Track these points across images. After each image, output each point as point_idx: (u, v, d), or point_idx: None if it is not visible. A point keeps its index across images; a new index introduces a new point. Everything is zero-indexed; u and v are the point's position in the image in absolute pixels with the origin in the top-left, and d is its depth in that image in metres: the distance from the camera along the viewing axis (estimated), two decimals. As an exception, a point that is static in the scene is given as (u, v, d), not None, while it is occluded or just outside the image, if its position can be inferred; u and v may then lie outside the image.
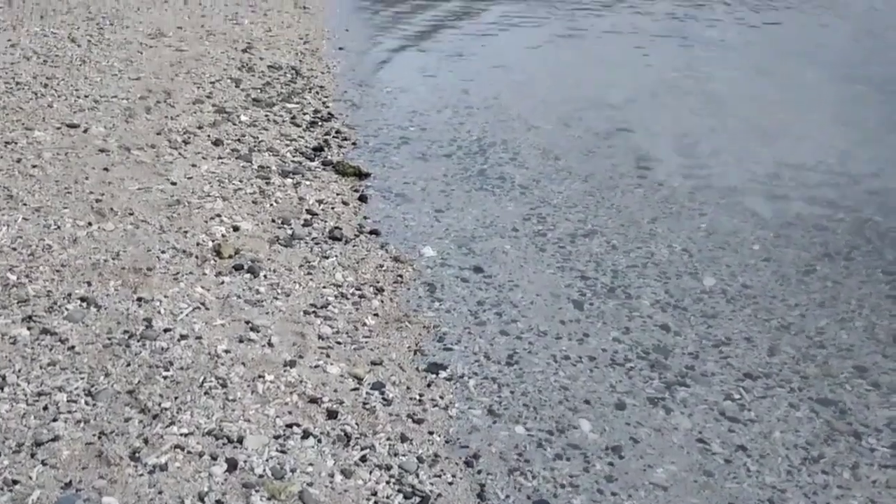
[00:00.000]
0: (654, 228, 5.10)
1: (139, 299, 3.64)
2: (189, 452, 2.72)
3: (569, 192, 5.66)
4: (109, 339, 3.30)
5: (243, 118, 6.35)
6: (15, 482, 2.51)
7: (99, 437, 2.74)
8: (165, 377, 3.10)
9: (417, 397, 3.29)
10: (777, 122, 7.26)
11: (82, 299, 3.54)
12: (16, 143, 4.98)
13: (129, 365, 3.14)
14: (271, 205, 4.94)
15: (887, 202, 5.54)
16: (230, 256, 4.18)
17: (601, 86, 8.41)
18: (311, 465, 2.77)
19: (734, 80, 8.76)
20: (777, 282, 4.45)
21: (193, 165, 5.24)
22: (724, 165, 6.20)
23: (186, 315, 3.57)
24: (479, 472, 2.92)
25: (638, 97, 7.96)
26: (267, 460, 2.75)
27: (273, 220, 4.73)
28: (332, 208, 5.08)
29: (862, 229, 5.12)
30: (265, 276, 4.05)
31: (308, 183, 5.39)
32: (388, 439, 2.99)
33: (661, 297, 4.26)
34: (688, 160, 6.29)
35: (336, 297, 3.99)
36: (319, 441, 2.90)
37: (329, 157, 5.95)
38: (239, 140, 5.89)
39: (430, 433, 3.07)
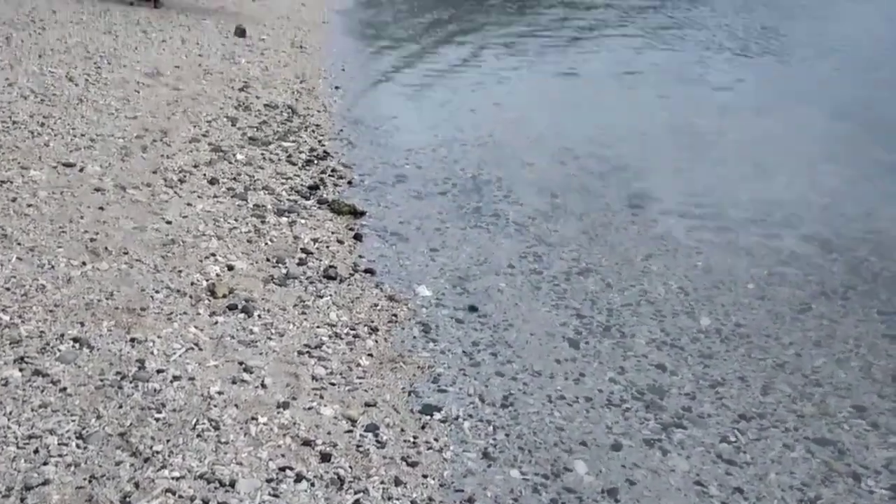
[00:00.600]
0: (648, 266, 5.10)
1: (132, 340, 3.61)
2: (181, 497, 2.69)
3: (563, 229, 5.67)
4: (102, 380, 3.27)
5: (239, 157, 6.36)
6: (3, 528, 2.47)
7: (90, 481, 2.71)
8: (157, 419, 3.07)
9: (412, 440, 3.26)
10: (771, 161, 7.30)
11: (75, 340, 3.52)
12: (11, 182, 4.98)
13: (121, 407, 3.11)
14: (266, 243, 4.94)
15: (881, 242, 5.56)
16: (224, 296, 4.16)
17: (595, 124, 8.47)
18: (303, 509, 2.74)
19: (728, 118, 8.82)
20: (772, 321, 4.45)
21: (189, 204, 5.24)
22: (718, 203, 6.22)
23: (179, 356, 3.55)
24: (474, 516, 2.88)
25: (631, 135, 8.01)
26: (259, 505, 2.72)
27: (268, 259, 4.72)
28: (327, 247, 5.08)
29: (857, 269, 5.13)
30: (259, 316, 4.03)
31: (303, 221, 5.39)
32: (382, 483, 2.96)
33: (657, 336, 4.25)
34: (682, 198, 6.31)
35: (330, 337, 3.97)
36: (312, 485, 2.87)
37: (324, 196, 5.96)
38: (235, 179, 5.90)
39: (425, 476, 3.04)
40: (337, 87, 9.58)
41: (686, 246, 5.43)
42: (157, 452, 2.88)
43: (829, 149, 7.76)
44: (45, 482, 2.67)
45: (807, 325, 4.40)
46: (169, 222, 4.90)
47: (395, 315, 4.30)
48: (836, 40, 13.76)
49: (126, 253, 4.40)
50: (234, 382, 3.41)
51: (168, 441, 2.95)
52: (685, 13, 17.20)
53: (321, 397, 3.43)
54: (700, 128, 8.38)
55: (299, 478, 2.89)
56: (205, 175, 5.81)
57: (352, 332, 4.05)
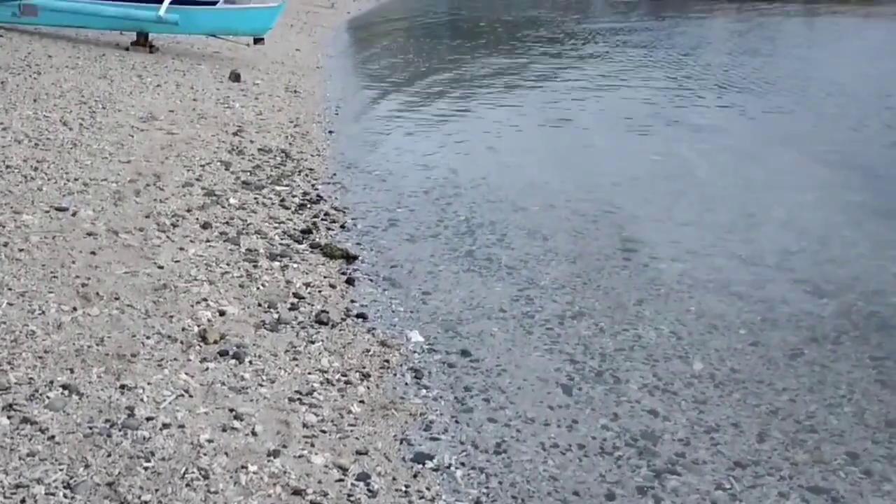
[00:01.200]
0: (640, 311, 5.11)
1: (122, 386, 3.59)
2: (168, 549, 2.65)
3: (556, 273, 5.68)
4: (91, 428, 3.24)
5: (232, 201, 6.38)
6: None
7: (75, 533, 2.67)
8: (146, 468, 3.03)
9: (403, 489, 3.23)
10: (762, 205, 7.35)
11: (64, 387, 3.49)
12: (3, 227, 4.97)
13: (109, 455, 3.08)
14: (258, 288, 4.93)
15: (870, 286, 5.57)
16: (215, 342, 4.15)
17: (588, 168, 8.54)
18: (293, 561, 2.70)
19: (717, 162, 8.90)
20: (765, 366, 4.44)
21: (181, 249, 5.24)
22: (709, 248, 6.25)
23: (170, 403, 3.52)
24: (467, 567, 2.85)
25: (624, 180, 8.06)
26: (248, 556, 2.68)
27: (259, 304, 4.72)
28: (320, 292, 5.08)
29: (847, 313, 5.14)
30: (250, 362, 4.01)
31: (296, 266, 5.39)
32: (373, 533, 2.92)
33: (650, 381, 4.24)
34: (673, 242, 6.34)
35: (321, 383, 3.95)
36: (302, 535, 2.83)
37: (317, 240, 5.97)
38: (227, 223, 5.91)
39: (416, 526, 3.01)
40: (331, 132, 9.65)
41: (677, 290, 5.44)
42: (146, 502, 2.85)
43: (815, 193, 7.82)
44: (31, 534, 2.63)
45: (799, 371, 4.39)
46: (161, 267, 4.90)
47: (387, 361, 4.29)
48: (821, 82, 13.94)
49: (117, 298, 4.39)
50: (224, 430, 3.38)
51: (157, 490, 2.92)
52: (670, 54, 17.43)
53: (312, 445, 3.41)
54: (689, 171, 8.44)
55: (289, 528, 2.85)
56: (197, 219, 5.82)
57: (343, 378, 4.04)
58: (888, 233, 6.74)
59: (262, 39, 12.86)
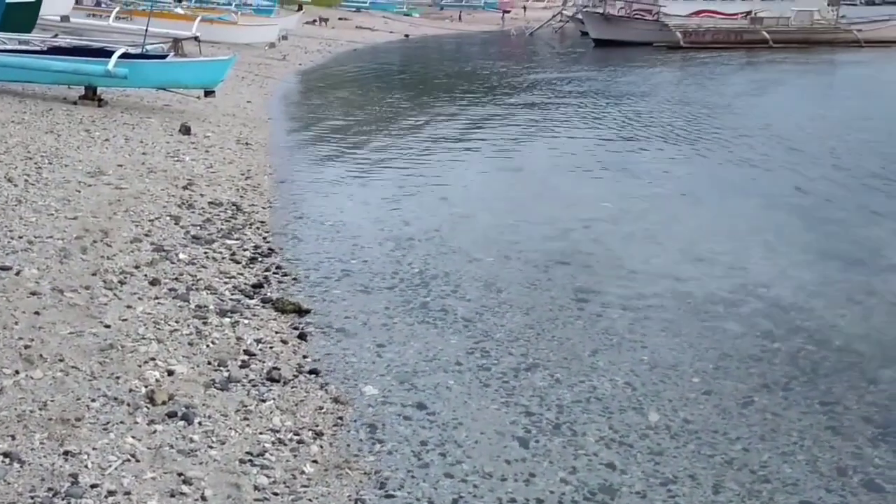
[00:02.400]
0: (595, 361, 5.12)
1: (66, 452, 3.47)
2: None
3: (511, 324, 5.68)
4: (32, 497, 3.12)
5: (182, 256, 6.29)
6: None
7: None
8: (90, 539, 2.92)
9: (359, 551, 3.15)
10: (710, 251, 7.48)
11: (5, 454, 3.37)
12: (-58, 287, 4.83)
13: (50, 527, 2.96)
14: (208, 346, 4.84)
15: (818, 330, 5.68)
16: (164, 403, 4.04)
17: (540, 217, 8.60)
18: None
19: (668, 209, 9.05)
20: (718, 415, 4.47)
21: (129, 307, 5.13)
22: (660, 295, 6.32)
23: (115, 468, 3.41)
24: None
25: (576, 228, 8.14)
26: None
27: (209, 363, 4.62)
28: (271, 348, 5.00)
29: (796, 359, 5.21)
30: (200, 423, 3.92)
31: (246, 322, 5.31)
32: None
33: (606, 433, 4.23)
34: (625, 290, 6.39)
35: (273, 443, 3.86)
36: None
37: (269, 294, 5.90)
38: (177, 279, 5.81)
39: (372, 591, 2.93)
40: (283, 182, 9.62)
41: (630, 339, 5.47)
42: (89, 577, 2.73)
43: (761, 237, 7.98)
44: None
45: (752, 420, 4.43)
46: (108, 326, 4.79)
47: (340, 417, 4.22)
48: (764, 129, 14.32)
49: (62, 360, 4.27)
50: (172, 495, 3.29)
51: (100, 563, 2.80)
52: (616, 103, 17.80)
53: (264, 509, 3.32)
54: (638, 218, 8.57)
55: None
56: (146, 276, 5.72)
57: (296, 437, 3.96)
58: (833, 275, 6.90)
59: (213, 92, 12.84)
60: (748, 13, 39.83)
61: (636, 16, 39.22)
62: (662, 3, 40.54)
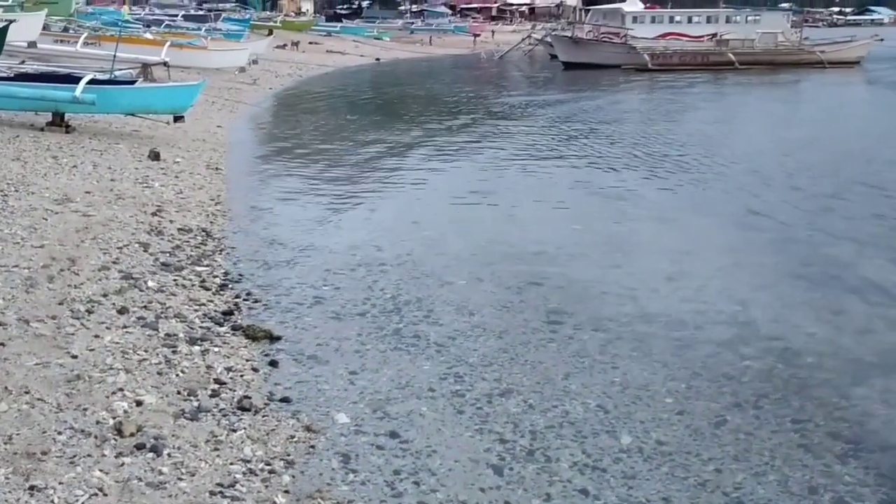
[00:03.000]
0: (568, 385, 5.11)
1: (31, 488, 3.41)
2: None
3: (484, 349, 5.67)
4: (-6, 536, 3.05)
5: (151, 284, 6.22)
6: None
7: None
8: (55, 578, 2.85)
9: (331, 584, 3.11)
10: (681, 271, 7.54)
11: (-33, 491, 3.29)
12: None
13: (14, 566, 2.89)
14: (177, 375, 4.78)
15: (788, 349, 5.73)
16: (132, 434, 3.98)
17: (512, 239, 8.63)
18: None
19: (637, 231, 9.12)
20: (691, 436, 4.48)
21: (96, 336, 5.06)
22: (631, 316, 6.35)
23: (82, 503, 3.35)
24: None
25: (547, 249, 8.17)
26: None
27: (179, 392, 4.56)
28: (242, 376, 4.95)
29: (767, 377, 5.25)
30: (169, 455, 3.86)
31: (217, 350, 5.25)
32: None
33: (580, 458, 4.23)
34: (597, 312, 6.42)
35: (244, 473, 3.81)
36: None
37: (239, 321, 5.84)
38: (145, 307, 5.75)
39: None
40: (253, 208, 9.57)
41: (603, 361, 5.48)
42: None
43: (730, 257, 8.06)
44: None
45: (724, 440, 4.44)
46: (75, 357, 4.72)
47: (312, 446, 4.18)
48: (731, 150, 14.51)
49: (27, 392, 4.20)
50: (140, 531, 3.22)
51: None
52: (585, 126, 17.96)
53: (235, 542, 3.27)
54: (608, 239, 8.62)
55: None
56: (114, 304, 5.65)
57: (267, 467, 3.91)
58: (802, 294, 6.97)
59: (183, 117, 12.77)
60: (714, 35, 40.52)
61: (604, 39, 39.67)
62: (630, 27, 41.10)
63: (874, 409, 4.86)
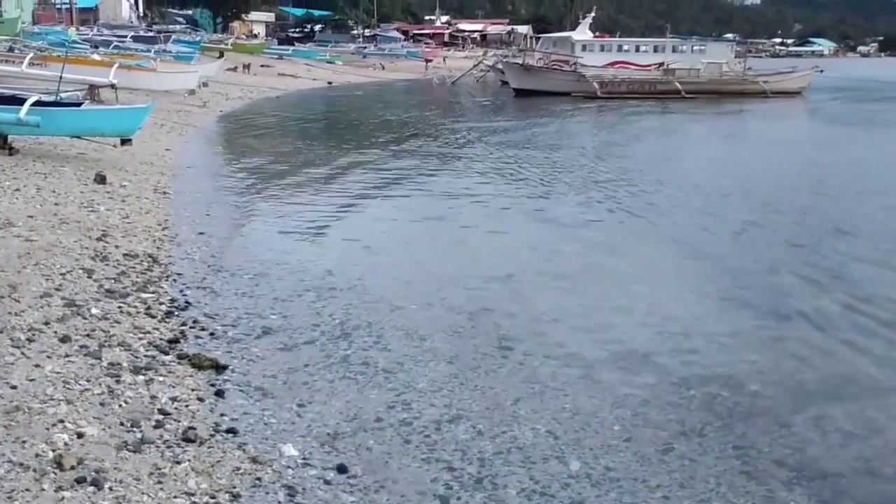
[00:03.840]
0: (517, 411, 5.13)
1: (-36, 525, 3.29)
2: None
3: (433, 375, 5.67)
4: (-76, 577, 2.94)
5: (94, 311, 6.10)
6: None
7: None
8: None
9: None
10: (629, 298, 7.63)
11: None
12: None
13: None
14: (120, 405, 4.68)
15: (732, 376, 5.82)
16: (72, 467, 3.88)
17: (463, 265, 8.66)
18: None
19: (587, 258, 9.21)
20: (638, 463, 4.53)
21: (37, 366, 4.94)
22: (581, 342, 6.40)
23: (18, 541, 3.25)
24: None
25: (499, 275, 8.22)
26: None
27: (122, 423, 4.46)
28: (187, 406, 4.86)
29: (712, 405, 5.33)
30: (110, 489, 3.77)
31: (161, 379, 5.16)
32: None
33: (528, 484, 4.24)
34: (547, 338, 6.46)
35: (189, 507, 3.74)
36: None
37: (185, 350, 5.75)
38: (89, 335, 5.63)
39: None
40: (201, 233, 9.43)
41: (553, 388, 5.51)
42: None
43: (676, 285, 8.20)
44: None
45: (671, 466, 4.50)
46: (14, 387, 4.59)
47: (258, 479, 4.12)
48: (677, 178, 14.79)
49: (-38, 425, 4.07)
50: (79, 569, 3.14)
51: None
52: (536, 152, 18.16)
53: (177, 579, 3.20)
54: (559, 266, 8.70)
55: None
56: (56, 332, 5.52)
57: (212, 500, 3.85)
58: (744, 322, 7.10)
59: (130, 140, 12.58)
60: (661, 64, 41.47)
61: (554, 66, 40.29)
62: (579, 55, 41.82)
63: (813, 436, 4.97)
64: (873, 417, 5.28)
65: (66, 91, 14.23)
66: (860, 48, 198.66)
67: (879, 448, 4.86)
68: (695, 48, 45.65)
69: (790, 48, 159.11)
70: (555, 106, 32.37)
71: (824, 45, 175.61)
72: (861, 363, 6.17)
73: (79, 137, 12.57)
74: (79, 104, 13.56)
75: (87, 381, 4.90)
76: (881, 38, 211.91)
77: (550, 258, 9.09)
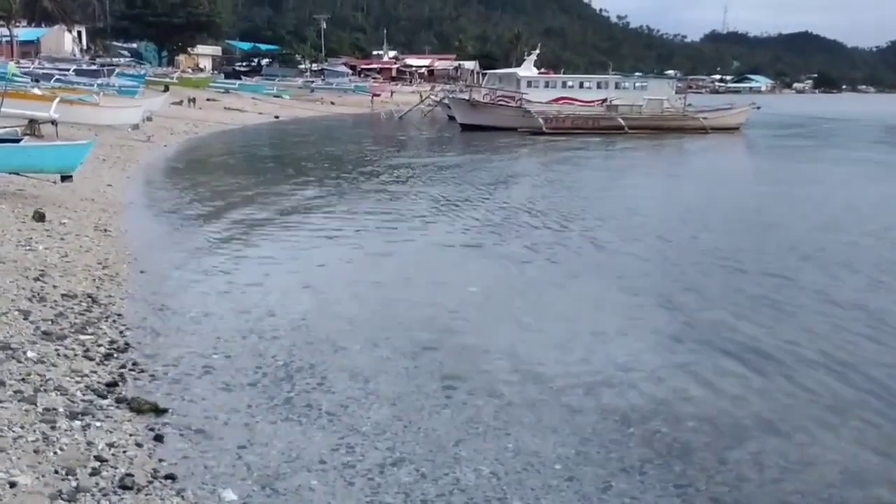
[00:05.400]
0: (459, 452, 5.15)
1: None
2: None
3: (377, 416, 5.66)
4: None
5: (30, 354, 5.97)
6: None
7: None
8: None
9: None
10: (570, 336, 7.72)
11: None
12: None
13: None
14: (55, 453, 4.58)
15: (671, 412, 5.93)
16: (3, 520, 3.79)
17: (408, 302, 8.68)
18: None
19: (532, 295, 9.30)
20: (579, 502, 4.57)
21: (-33, 413, 4.81)
22: (522, 381, 6.46)
23: None
24: None
25: (442, 313, 8.25)
26: None
27: (56, 472, 4.37)
28: (125, 452, 4.78)
29: (651, 442, 5.42)
30: (43, 541, 3.68)
31: (99, 424, 5.06)
32: None
33: (470, 527, 4.25)
34: (490, 376, 6.50)
35: (124, 558, 3.67)
36: None
37: (124, 393, 5.65)
38: (23, 379, 5.50)
39: None
40: (143, 272, 9.31)
41: (495, 427, 5.55)
42: None
43: (618, 321, 8.32)
44: None
45: (611, 505, 4.55)
46: (-58, 436, 4.46)
47: (198, 526, 4.06)
48: (622, 213, 15.07)
49: None
50: None
51: None
52: (482, 188, 18.34)
53: None
54: (505, 304, 8.77)
55: None
56: (-12, 378, 5.38)
57: (149, 550, 3.77)
58: (683, 357, 7.23)
59: (71, 177, 12.40)
60: (604, 101, 42.37)
61: (500, 102, 40.82)
62: (524, 91, 42.46)
63: (749, 472, 5.07)
64: (808, 452, 5.41)
65: (5, 127, 13.99)
66: (796, 85, 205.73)
67: (813, 483, 4.99)
68: (637, 85, 46.74)
69: (729, 84, 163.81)
70: (501, 141, 32.76)
71: (762, 81, 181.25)
72: (797, 397, 6.32)
73: (17, 174, 12.34)
74: (18, 140, 13.34)
75: (21, 427, 4.79)
76: (815, 75, 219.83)
77: (493, 295, 9.16)
